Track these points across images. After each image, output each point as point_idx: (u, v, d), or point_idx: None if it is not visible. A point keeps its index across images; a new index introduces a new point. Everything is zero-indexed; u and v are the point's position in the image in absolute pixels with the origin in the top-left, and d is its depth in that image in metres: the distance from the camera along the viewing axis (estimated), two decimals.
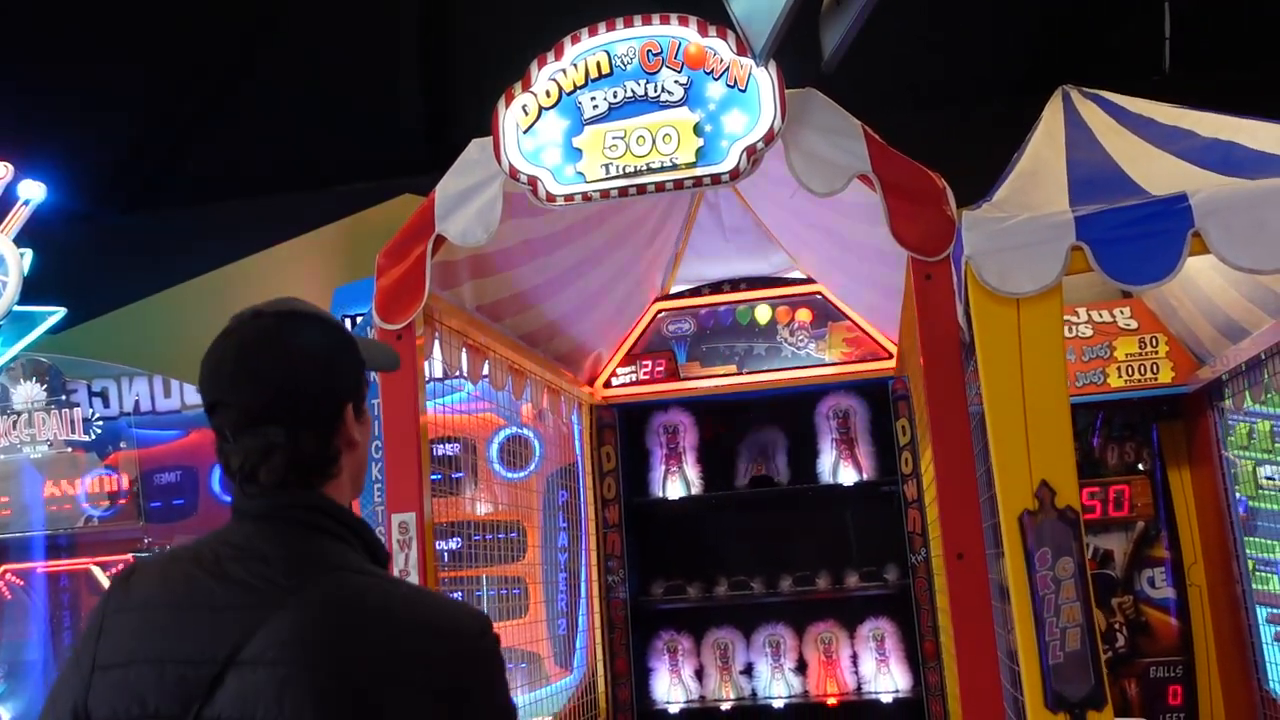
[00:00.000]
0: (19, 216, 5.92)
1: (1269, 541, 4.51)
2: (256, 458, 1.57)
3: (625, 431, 5.75)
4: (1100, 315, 4.95)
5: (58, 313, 6.09)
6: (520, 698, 4.73)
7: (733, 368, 5.61)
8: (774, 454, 5.73)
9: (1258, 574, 4.56)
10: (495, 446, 5.51)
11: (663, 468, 5.73)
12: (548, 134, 3.42)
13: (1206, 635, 4.93)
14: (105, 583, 6.35)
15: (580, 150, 3.40)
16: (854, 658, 5.48)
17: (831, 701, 5.42)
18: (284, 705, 1.39)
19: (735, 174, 3.33)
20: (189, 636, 1.47)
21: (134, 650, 1.50)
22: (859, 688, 5.44)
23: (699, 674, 5.61)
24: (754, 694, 5.52)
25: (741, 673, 5.57)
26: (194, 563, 1.55)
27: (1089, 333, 4.95)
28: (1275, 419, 4.41)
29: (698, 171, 3.36)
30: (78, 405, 6.31)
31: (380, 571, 1.59)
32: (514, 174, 3.43)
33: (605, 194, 3.41)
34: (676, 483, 5.69)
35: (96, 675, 1.51)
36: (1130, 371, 4.90)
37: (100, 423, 6.32)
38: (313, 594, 1.47)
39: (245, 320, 1.63)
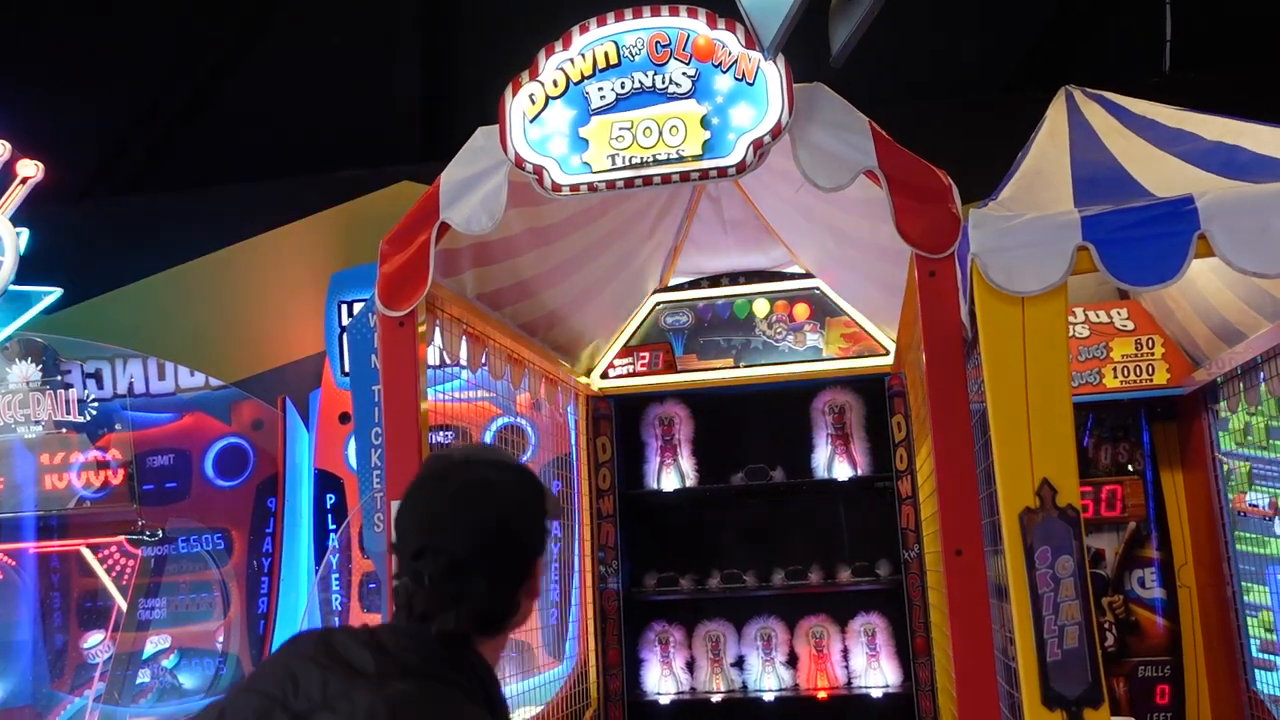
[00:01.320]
0: (16, 195, 5.89)
1: (1246, 584, 4.54)
2: (447, 604, 1.62)
3: (621, 423, 5.75)
4: (1097, 316, 4.96)
5: (54, 293, 6.07)
6: (511, 687, 4.74)
7: (729, 361, 5.61)
8: (769, 448, 5.74)
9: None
10: (490, 435, 5.51)
11: (658, 460, 5.74)
12: (554, 123, 3.43)
13: (1195, 636, 4.97)
14: (95, 565, 6.34)
15: (587, 140, 3.40)
16: (845, 652, 5.50)
17: (821, 695, 5.44)
18: None
19: (741, 167, 3.34)
20: (303, 685, 1.57)
21: (265, 685, 1.61)
22: (849, 682, 5.46)
23: (690, 666, 5.62)
24: (744, 686, 5.54)
25: (733, 665, 5.58)
26: (352, 635, 1.64)
27: (1086, 333, 4.97)
28: (1254, 460, 4.42)
29: (704, 164, 3.36)
30: (72, 386, 6.29)
31: (480, 713, 1.62)
32: (520, 163, 3.43)
33: (611, 185, 3.41)
34: (671, 475, 5.70)
35: (240, 691, 1.65)
36: (1126, 372, 4.92)
37: (94, 404, 6.29)
38: (410, 686, 1.54)
39: (455, 466, 1.69)
